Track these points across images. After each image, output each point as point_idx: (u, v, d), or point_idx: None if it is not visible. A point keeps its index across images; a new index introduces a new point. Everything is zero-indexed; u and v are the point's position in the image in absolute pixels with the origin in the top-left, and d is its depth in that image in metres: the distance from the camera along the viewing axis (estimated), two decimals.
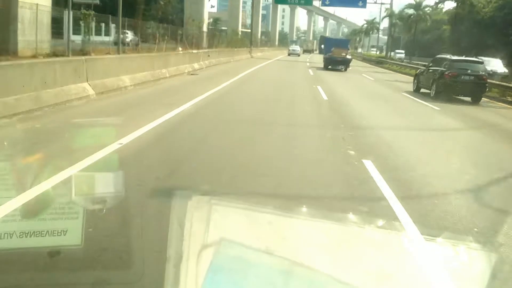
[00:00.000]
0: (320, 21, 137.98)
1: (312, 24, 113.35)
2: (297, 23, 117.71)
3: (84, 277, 2.11)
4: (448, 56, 14.45)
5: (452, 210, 3.58)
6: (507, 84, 14.76)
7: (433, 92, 13.05)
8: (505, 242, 1.47)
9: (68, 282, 2.07)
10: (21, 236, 2.37)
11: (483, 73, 12.89)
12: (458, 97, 12.84)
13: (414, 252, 1.18)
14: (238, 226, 1.24)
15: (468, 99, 12.88)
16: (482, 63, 13.68)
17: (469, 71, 12.73)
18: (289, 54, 46.29)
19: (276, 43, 72.96)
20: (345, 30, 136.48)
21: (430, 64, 14.68)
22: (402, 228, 1.28)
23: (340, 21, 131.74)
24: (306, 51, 61.25)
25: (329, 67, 24.39)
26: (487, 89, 13.14)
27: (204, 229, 1.17)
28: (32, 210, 2.70)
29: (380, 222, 1.25)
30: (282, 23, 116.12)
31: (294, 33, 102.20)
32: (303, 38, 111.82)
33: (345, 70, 24.12)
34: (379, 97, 13.18)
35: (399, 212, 3.25)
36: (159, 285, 1.12)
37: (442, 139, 7.58)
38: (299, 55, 45.91)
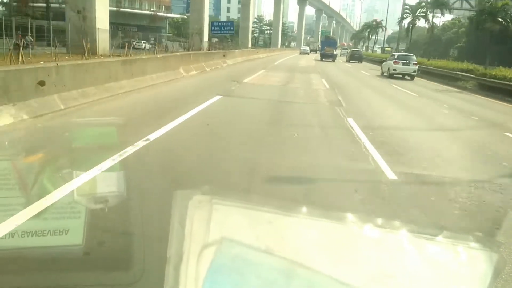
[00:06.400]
0: (293, 4, 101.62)
1: (281, 12, 77.65)
2: (260, 11, 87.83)
3: (84, 277, 2.11)
4: (347, 50, 65.46)
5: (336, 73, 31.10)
6: (372, 57, 55.55)
7: (347, 59, 51.01)
8: (506, 242, 1.47)
9: (68, 282, 2.07)
10: (22, 236, 2.37)
11: (361, 52, 54.69)
12: (355, 61, 49.07)
13: (415, 252, 1.18)
14: (239, 226, 1.23)
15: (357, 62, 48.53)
16: (360, 51, 56.44)
17: (356, 53, 51.23)
18: (300, 53, 62.96)
19: (205, 38, 37.84)
20: (324, 22, 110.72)
21: (348, 52, 58.46)
22: (400, 225, 1.27)
23: (321, 8, 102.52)
24: (312, 50, 75.04)
25: (323, 59, 46.00)
26: (363, 58, 49.84)
27: (205, 229, 1.17)
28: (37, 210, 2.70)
29: (380, 221, 1.24)
30: (239, 11, 78.19)
31: (250, 23, 57.13)
32: (268, 32, 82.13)
33: (333, 61, 45.59)
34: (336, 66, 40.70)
35: (323, 81, 21.46)
36: (160, 285, 1.11)
37: (331, 67, 38.72)
38: (308, 54, 64.08)
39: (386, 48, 60.56)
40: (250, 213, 1.29)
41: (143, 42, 43.38)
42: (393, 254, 1.17)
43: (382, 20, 70.05)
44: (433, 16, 46.75)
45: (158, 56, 16.47)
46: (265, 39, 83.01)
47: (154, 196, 3.53)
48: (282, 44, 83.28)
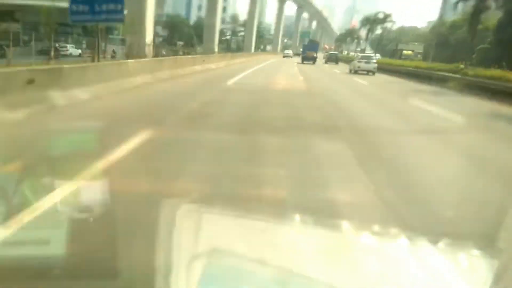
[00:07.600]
0: (272, 2, 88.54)
1: (256, 11, 63.41)
2: (235, 9, 78.66)
3: None
4: (329, 52, 56.70)
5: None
6: (347, 58, 48.71)
7: (325, 61, 43.75)
8: (506, 247, 1.46)
9: None
10: (4, 245, 2.29)
11: (338, 54, 48.11)
12: (333, 63, 41.21)
13: (412, 258, 1.16)
14: (229, 235, 1.20)
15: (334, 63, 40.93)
16: (337, 53, 50.58)
17: (333, 56, 45.07)
18: (283, 57, 61.62)
19: (148, 38, 20.86)
20: (303, 23, 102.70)
21: (327, 54, 50.56)
22: (398, 232, 1.26)
23: (302, 4, 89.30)
24: (296, 54, 72.92)
25: (304, 62, 42.93)
26: (339, 59, 43.44)
27: (193, 239, 1.13)
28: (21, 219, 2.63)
29: (376, 228, 1.22)
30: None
31: (218, 20, 41.52)
32: (242, 34, 68.91)
33: (314, 63, 42.65)
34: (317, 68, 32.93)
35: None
36: None
37: (311, 68, 29.35)
38: (291, 57, 61.62)
39: (405, 52, 36.00)
40: (240, 222, 1.26)
41: (70, 46, 31.21)
42: (390, 261, 1.14)
43: (390, 14, 62.60)
44: None
45: None
46: (238, 41, 67.68)
47: (142, 204, 3.46)
48: (257, 47, 69.08)
